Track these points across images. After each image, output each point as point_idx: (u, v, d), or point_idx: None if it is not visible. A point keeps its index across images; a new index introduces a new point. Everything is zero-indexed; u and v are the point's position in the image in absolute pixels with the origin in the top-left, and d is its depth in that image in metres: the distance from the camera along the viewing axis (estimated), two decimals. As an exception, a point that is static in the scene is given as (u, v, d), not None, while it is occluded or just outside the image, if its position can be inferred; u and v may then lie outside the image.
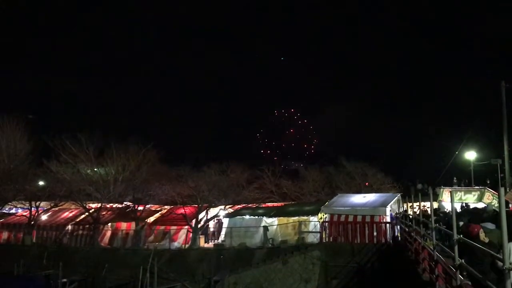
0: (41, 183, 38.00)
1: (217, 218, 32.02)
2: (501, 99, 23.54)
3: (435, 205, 25.44)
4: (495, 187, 29.04)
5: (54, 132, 37.16)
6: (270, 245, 26.98)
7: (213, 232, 31.84)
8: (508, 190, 20.41)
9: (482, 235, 7.40)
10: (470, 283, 6.67)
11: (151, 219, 33.04)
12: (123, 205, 34.45)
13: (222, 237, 30.34)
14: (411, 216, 17.26)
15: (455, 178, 33.58)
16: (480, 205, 24.22)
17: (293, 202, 35.21)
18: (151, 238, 31.27)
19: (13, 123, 42.01)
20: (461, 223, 9.95)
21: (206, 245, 29.93)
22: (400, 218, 23.47)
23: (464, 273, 7.01)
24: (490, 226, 8.35)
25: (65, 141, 35.53)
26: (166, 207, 34.75)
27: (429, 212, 16.04)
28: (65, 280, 25.76)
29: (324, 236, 25.34)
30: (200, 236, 30.01)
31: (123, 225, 33.13)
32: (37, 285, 21.67)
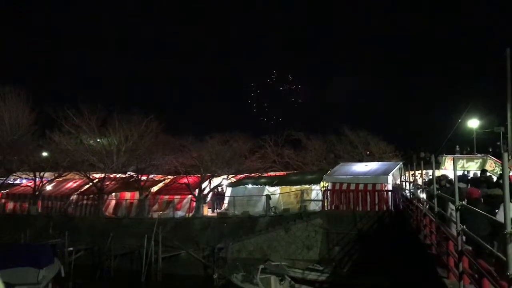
0: (44, 154, 38.18)
1: (219, 186, 32.23)
2: (506, 65, 23.23)
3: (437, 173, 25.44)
4: (497, 155, 29.05)
5: (56, 103, 37.11)
6: (272, 213, 27.22)
7: (212, 202, 31.81)
8: (510, 158, 20.40)
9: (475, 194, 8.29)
10: (470, 248, 6.75)
11: (154, 188, 33.31)
12: (127, 175, 34.67)
13: (225, 205, 30.64)
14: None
15: (457, 146, 33.57)
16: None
17: (295, 171, 35.37)
18: (155, 207, 31.59)
19: (15, 94, 41.89)
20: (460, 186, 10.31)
21: (209, 214, 30.25)
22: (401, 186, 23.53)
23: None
24: (462, 185, 10.02)
25: (67, 112, 35.48)
26: (169, 176, 34.97)
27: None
28: (71, 249, 26.23)
29: (326, 204, 25.55)
30: (204, 205, 30.30)
31: (127, 195, 33.43)
32: (44, 254, 21.97)
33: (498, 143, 32.23)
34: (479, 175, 15.33)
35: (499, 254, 4.77)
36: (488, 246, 5.56)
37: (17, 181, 39.23)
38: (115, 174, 34.88)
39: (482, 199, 8.37)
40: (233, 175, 32.78)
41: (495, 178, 14.70)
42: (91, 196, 33.52)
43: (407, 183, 20.96)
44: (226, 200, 30.82)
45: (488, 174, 15.89)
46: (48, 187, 36.60)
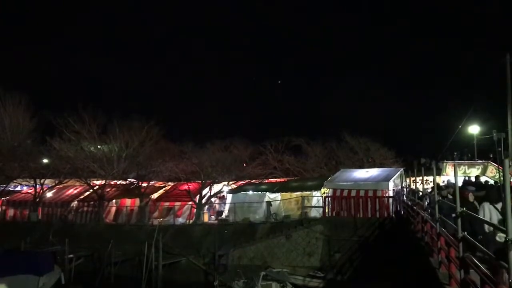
0: (45, 160, 38.17)
1: (220, 194, 32.19)
2: (506, 71, 23.25)
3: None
4: (498, 161, 29.01)
5: (57, 109, 37.16)
6: (273, 220, 27.15)
7: (208, 211, 31.59)
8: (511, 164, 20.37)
9: (471, 197, 10.07)
10: (471, 255, 6.71)
11: (155, 195, 33.29)
12: (127, 181, 34.64)
13: (226, 212, 30.59)
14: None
15: (455, 153, 33.55)
16: (483, 179, 24.20)
17: (296, 178, 35.31)
18: (156, 214, 31.55)
19: (16, 100, 41.91)
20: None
21: (210, 221, 30.18)
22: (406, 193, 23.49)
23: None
24: (470, 188, 11.54)
25: (68, 119, 35.48)
26: (170, 183, 34.94)
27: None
28: (71, 256, 26.13)
29: (327, 210, 25.49)
30: (204, 211, 30.24)
31: (128, 202, 33.41)
32: (44, 261, 21.90)
33: (499, 149, 32.17)
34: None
35: (501, 262, 4.75)
36: (489, 252, 5.55)
37: (18, 188, 39.20)
38: (115, 181, 34.85)
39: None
40: (233, 182, 32.73)
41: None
42: (92, 203, 33.49)
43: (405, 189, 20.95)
44: (226, 207, 30.78)
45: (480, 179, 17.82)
46: (49, 194, 36.58)
